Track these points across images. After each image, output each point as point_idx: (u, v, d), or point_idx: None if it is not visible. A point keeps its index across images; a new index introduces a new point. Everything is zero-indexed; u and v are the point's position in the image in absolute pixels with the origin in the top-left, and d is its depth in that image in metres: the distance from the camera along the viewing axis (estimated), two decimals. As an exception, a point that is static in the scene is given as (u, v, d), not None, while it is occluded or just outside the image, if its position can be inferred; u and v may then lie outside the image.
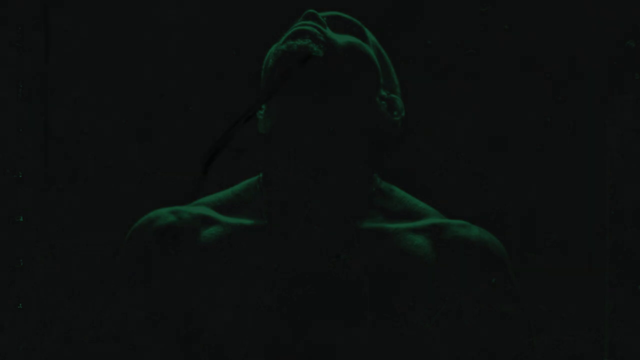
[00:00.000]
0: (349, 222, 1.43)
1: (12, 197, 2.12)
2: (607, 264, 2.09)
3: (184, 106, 2.17)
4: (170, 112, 2.17)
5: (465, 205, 2.00)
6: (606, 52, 2.11)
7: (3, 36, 2.13)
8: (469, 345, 1.39)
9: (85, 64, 2.17)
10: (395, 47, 1.63)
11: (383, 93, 1.48)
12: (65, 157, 2.16)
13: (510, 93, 2.14)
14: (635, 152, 2.10)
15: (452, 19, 2.14)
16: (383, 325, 1.36)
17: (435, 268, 1.40)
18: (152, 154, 2.16)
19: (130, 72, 2.17)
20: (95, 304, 1.88)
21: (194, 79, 2.17)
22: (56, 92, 2.16)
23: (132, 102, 2.17)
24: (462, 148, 2.13)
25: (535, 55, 2.13)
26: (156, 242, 1.44)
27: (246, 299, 1.37)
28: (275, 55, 1.42)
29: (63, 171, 2.15)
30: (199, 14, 2.17)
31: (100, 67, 2.17)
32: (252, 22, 2.14)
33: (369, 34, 1.52)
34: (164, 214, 1.47)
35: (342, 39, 1.45)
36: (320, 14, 1.47)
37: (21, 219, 2.11)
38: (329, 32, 1.44)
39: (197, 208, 1.48)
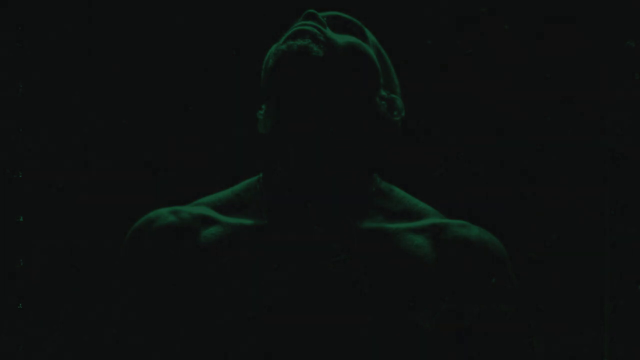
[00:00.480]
0: (349, 222, 1.43)
1: (12, 197, 2.12)
2: (607, 264, 2.10)
3: (184, 106, 2.17)
4: (171, 112, 2.17)
5: (465, 205, 2.00)
6: (606, 52, 2.11)
7: (3, 36, 2.13)
8: (469, 345, 1.39)
9: (85, 63, 2.17)
10: (395, 47, 1.63)
11: (383, 93, 1.48)
12: (65, 157, 2.16)
13: (510, 93, 2.14)
14: (635, 152, 2.10)
15: (452, 19, 2.14)
16: (383, 325, 1.35)
17: (435, 268, 1.40)
18: (152, 154, 2.16)
19: (130, 72, 2.17)
20: (95, 304, 1.88)
21: (194, 79, 2.17)
22: (56, 92, 2.16)
23: (132, 102, 2.17)
24: (462, 148, 2.13)
25: (535, 55, 2.13)
26: (156, 242, 1.43)
27: (246, 299, 1.37)
28: (275, 55, 1.41)
29: (63, 171, 2.15)
30: (199, 14, 2.17)
31: (100, 67, 2.17)
32: (252, 22, 2.14)
33: (369, 34, 1.52)
34: (164, 214, 1.47)
35: (342, 39, 1.45)
36: (320, 14, 1.47)
37: (21, 219, 2.11)
38: (329, 32, 1.44)
39: (197, 208, 1.48)
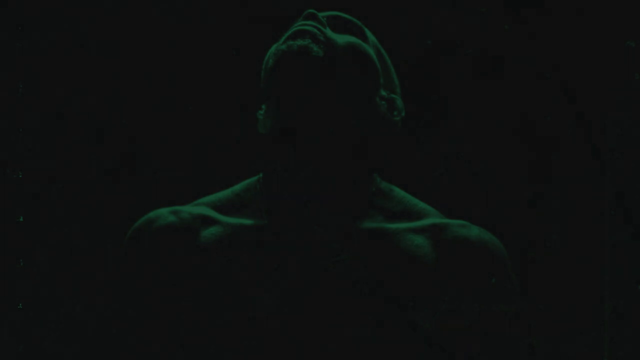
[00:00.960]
0: (349, 222, 1.43)
1: (12, 197, 2.12)
2: (607, 264, 2.10)
3: (184, 106, 2.17)
4: (170, 112, 2.17)
5: (465, 205, 2.00)
6: (606, 52, 2.11)
7: (3, 36, 2.13)
8: (469, 345, 1.39)
9: (84, 63, 2.17)
10: (395, 47, 1.63)
11: (383, 93, 1.48)
12: (65, 156, 2.16)
13: (510, 93, 2.14)
14: (635, 152, 2.10)
15: (451, 19, 2.14)
16: (383, 325, 1.35)
17: (435, 268, 1.40)
18: (152, 154, 2.16)
19: (130, 72, 2.17)
20: (96, 304, 1.88)
21: (194, 79, 2.17)
22: (56, 92, 2.16)
23: (132, 102, 2.17)
24: (462, 148, 2.13)
25: (535, 55, 2.13)
26: (156, 242, 1.44)
27: (246, 299, 1.37)
28: (275, 55, 1.42)
29: (63, 171, 2.15)
30: (199, 14, 2.17)
31: (100, 67, 2.17)
32: (252, 22, 2.14)
33: (369, 34, 1.52)
34: (164, 214, 1.47)
35: (342, 39, 1.45)
36: (320, 14, 1.47)
37: (21, 219, 2.11)
38: (329, 32, 1.44)
39: (197, 208, 1.48)
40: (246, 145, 2.05)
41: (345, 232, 1.41)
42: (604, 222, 2.11)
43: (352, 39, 1.46)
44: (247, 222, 1.44)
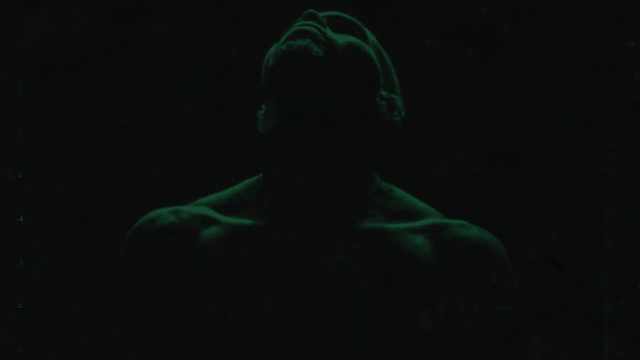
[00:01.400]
0: (349, 222, 1.43)
1: (12, 197, 2.12)
2: (607, 264, 2.10)
3: (184, 106, 2.17)
4: (170, 112, 2.17)
5: (465, 206, 2.00)
6: (606, 52, 2.11)
7: (3, 37, 2.13)
8: (469, 345, 1.39)
9: (84, 63, 2.17)
10: (395, 47, 1.63)
11: (383, 93, 1.48)
12: (65, 156, 2.16)
13: (510, 93, 2.14)
14: (635, 152, 2.10)
15: (451, 19, 2.14)
16: (383, 325, 1.35)
17: (435, 268, 1.40)
18: (152, 154, 2.16)
19: (130, 72, 2.17)
20: (96, 304, 1.88)
21: (194, 79, 2.17)
22: (55, 92, 2.16)
23: (133, 102, 2.17)
24: (462, 148, 2.13)
25: (535, 55, 2.13)
26: (156, 242, 1.44)
27: (246, 299, 1.37)
28: (275, 55, 1.42)
29: (63, 171, 2.15)
30: (198, 15, 2.17)
31: (100, 66, 2.17)
32: (252, 22, 2.14)
33: (369, 34, 1.52)
34: (164, 214, 1.47)
35: (342, 39, 1.45)
36: (320, 14, 1.47)
37: (21, 219, 2.11)
38: (329, 32, 1.44)
39: (197, 208, 1.48)
40: (246, 145, 2.05)
41: (345, 232, 1.41)
42: (604, 222, 2.10)
43: (352, 39, 1.46)
44: (247, 222, 1.44)
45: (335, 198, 1.43)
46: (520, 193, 2.13)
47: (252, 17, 2.15)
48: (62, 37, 2.16)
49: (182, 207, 1.48)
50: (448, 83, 2.14)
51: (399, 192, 1.50)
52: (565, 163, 2.13)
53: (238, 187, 1.51)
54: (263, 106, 1.50)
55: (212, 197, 1.51)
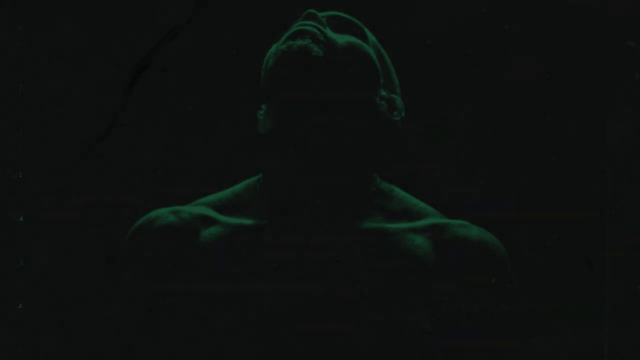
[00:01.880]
0: (349, 222, 1.43)
1: (12, 197, 2.12)
2: (607, 264, 2.09)
3: (184, 106, 2.17)
4: (170, 112, 2.17)
5: (465, 206, 2.00)
6: (606, 52, 2.11)
7: (3, 36, 2.13)
8: (469, 345, 1.39)
9: (84, 63, 2.17)
10: (395, 47, 1.63)
11: (383, 93, 1.48)
12: (65, 157, 2.16)
13: (510, 93, 2.14)
14: (635, 152, 2.10)
15: (451, 19, 2.14)
16: (383, 325, 1.35)
17: (435, 268, 1.40)
18: (152, 154, 2.16)
19: (130, 72, 2.17)
20: (96, 304, 1.88)
21: (194, 79, 2.17)
22: (56, 92, 2.16)
23: (132, 102, 2.17)
24: (462, 148, 2.13)
25: (535, 55, 2.13)
26: (156, 242, 1.44)
27: (246, 299, 1.37)
28: (275, 55, 1.42)
29: (63, 171, 2.15)
30: (199, 14, 2.17)
31: (100, 66, 2.17)
32: (252, 22, 2.14)
33: (369, 34, 1.52)
34: (164, 214, 1.47)
35: (342, 39, 1.45)
36: (320, 14, 1.47)
37: (21, 219, 2.11)
38: (329, 32, 1.44)
39: (197, 208, 1.48)
40: (246, 145, 2.05)
41: (345, 232, 1.41)
42: (604, 222, 2.10)
43: (352, 39, 1.46)
44: (247, 222, 1.44)
45: (335, 198, 1.43)
46: (520, 193, 2.13)
47: (252, 17, 2.15)
48: (62, 36, 2.16)
49: (182, 207, 1.48)
50: (448, 83, 2.14)
51: (399, 192, 1.50)
52: (565, 163, 2.13)
53: (238, 187, 1.51)
54: (263, 106, 1.50)
55: (212, 197, 1.51)
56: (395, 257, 1.40)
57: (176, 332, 1.39)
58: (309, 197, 1.42)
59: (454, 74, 2.14)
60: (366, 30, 1.52)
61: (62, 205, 2.14)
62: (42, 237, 2.12)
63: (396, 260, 1.40)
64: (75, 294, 2.10)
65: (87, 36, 2.17)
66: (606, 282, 2.09)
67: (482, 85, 2.14)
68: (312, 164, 1.42)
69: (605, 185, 2.11)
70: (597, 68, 2.12)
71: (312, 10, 1.46)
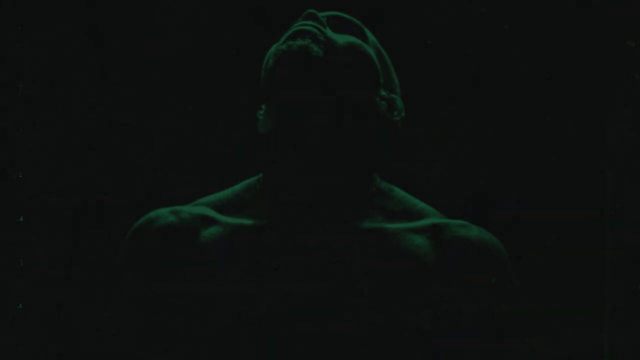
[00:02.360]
0: (349, 222, 1.43)
1: (12, 197, 2.12)
2: (607, 264, 2.10)
3: (184, 106, 2.17)
4: (170, 112, 2.17)
5: (465, 206, 2.00)
6: (606, 52, 2.11)
7: (3, 36, 2.13)
8: (469, 345, 1.39)
9: (85, 63, 2.17)
10: (395, 46, 1.63)
11: (383, 93, 1.48)
12: (65, 157, 2.16)
13: (510, 93, 2.14)
14: (635, 152, 2.10)
15: (452, 19, 2.14)
16: (383, 325, 1.35)
17: (435, 268, 1.40)
18: (152, 153, 2.16)
19: (129, 72, 2.17)
20: (96, 304, 1.88)
21: (194, 79, 2.17)
22: (56, 92, 2.16)
23: (132, 102, 2.17)
24: (462, 148, 2.13)
25: (535, 55, 2.13)
26: (156, 242, 1.44)
27: (246, 299, 1.37)
28: (275, 55, 1.42)
29: (63, 171, 2.15)
30: (199, 14, 2.17)
31: (100, 66, 2.17)
32: (252, 22, 2.14)
33: (369, 34, 1.52)
34: (164, 214, 1.47)
35: (342, 39, 1.45)
36: (320, 14, 1.47)
37: (21, 219, 2.11)
38: (329, 32, 1.44)
39: (197, 208, 1.48)
40: (246, 145, 2.05)
41: (345, 232, 1.41)
42: (604, 222, 2.10)
43: (352, 39, 1.46)
44: (247, 222, 1.44)
45: (335, 198, 1.43)
46: (520, 193, 2.13)
47: (252, 17, 2.15)
48: (62, 35, 2.16)
49: (182, 207, 1.48)
50: (448, 83, 2.14)
51: (399, 192, 1.50)
52: (565, 163, 2.13)
53: (238, 187, 1.51)
54: (263, 106, 1.50)
55: (212, 197, 1.51)
56: (395, 257, 1.40)
57: (176, 332, 1.39)
58: (309, 197, 1.42)
59: (454, 74, 2.14)
60: (366, 30, 1.52)
61: (62, 205, 2.14)
62: (42, 237, 2.12)
63: (396, 260, 1.40)
64: (75, 294, 2.10)
65: (87, 36, 2.17)
66: (606, 282, 2.09)
67: (482, 85, 2.14)
68: (312, 164, 1.42)
69: (605, 185, 2.11)
70: (597, 68, 2.12)
71: (312, 10, 1.46)
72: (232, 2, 2.17)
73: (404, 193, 1.50)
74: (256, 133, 1.50)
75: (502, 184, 2.13)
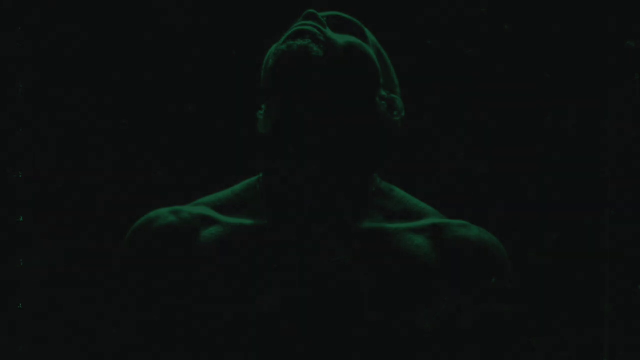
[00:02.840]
0: (349, 222, 1.42)
1: (12, 197, 2.12)
2: (607, 264, 2.10)
3: (184, 106, 2.17)
4: (170, 111, 2.17)
5: (465, 206, 2.00)
6: (606, 52, 2.11)
7: (3, 36, 2.13)
8: (468, 345, 1.39)
9: (85, 63, 2.17)
10: (395, 46, 1.63)
11: (383, 93, 1.48)
12: (65, 157, 2.16)
13: (510, 93, 2.14)
14: (635, 152, 2.10)
15: (452, 19, 2.14)
16: (383, 325, 1.35)
17: (435, 268, 1.40)
18: (152, 154, 2.16)
19: (130, 72, 2.17)
20: (95, 304, 1.88)
21: (194, 79, 2.17)
22: (56, 92, 2.16)
23: (132, 102, 2.17)
24: (462, 148, 2.13)
25: (535, 55, 2.13)
26: (156, 242, 1.43)
27: (246, 299, 1.37)
28: (275, 55, 1.41)
29: (63, 171, 2.15)
30: (199, 14, 2.17)
31: (100, 66, 2.17)
32: (252, 22, 2.14)
33: (369, 34, 1.52)
34: (164, 214, 1.47)
35: (342, 39, 1.45)
36: (320, 14, 1.47)
37: (21, 219, 2.11)
38: (329, 32, 1.44)
39: (197, 208, 1.48)
40: (246, 145, 2.05)
41: (345, 232, 1.41)
42: (604, 222, 2.10)
43: (352, 39, 1.46)
44: (247, 222, 1.44)
45: (335, 198, 1.43)
46: (520, 193, 2.13)
47: (252, 17, 2.15)
48: (62, 36, 2.17)
49: (182, 207, 1.48)
50: (448, 83, 2.14)
51: (399, 192, 1.50)
52: (565, 163, 2.13)
53: (238, 187, 1.51)
54: (263, 106, 1.50)
55: (212, 197, 1.50)
56: (395, 257, 1.40)
57: (176, 332, 1.38)
58: (309, 197, 1.42)
59: (454, 74, 2.14)
60: (366, 30, 1.52)
61: (62, 205, 2.14)
62: (42, 237, 2.12)
63: (396, 260, 1.40)
64: (75, 294, 2.10)
65: (87, 36, 2.17)
66: (606, 282, 2.09)
67: (482, 85, 2.14)
68: (312, 164, 1.42)
69: (605, 185, 2.11)
70: (597, 68, 2.12)
71: (312, 10, 1.46)
72: (232, 2, 2.17)
73: (404, 193, 1.50)
74: (256, 133, 1.50)
75: (502, 184, 2.13)
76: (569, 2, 2.11)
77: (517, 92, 2.13)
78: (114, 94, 2.16)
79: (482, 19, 2.13)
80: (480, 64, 2.13)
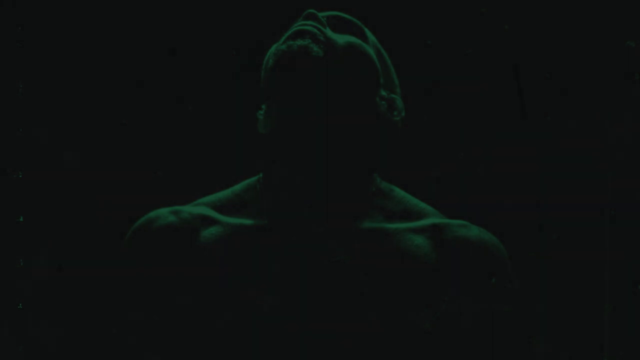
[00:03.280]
0: (349, 222, 1.42)
1: (12, 197, 2.12)
2: (607, 264, 2.10)
3: (184, 106, 2.17)
4: (170, 111, 2.17)
5: (465, 206, 2.00)
6: (606, 52, 2.11)
7: (3, 36, 2.13)
8: (468, 345, 1.39)
9: (85, 63, 2.17)
10: (395, 47, 1.63)
11: (383, 93, 1.48)
12: (65, 157, 2.16)
13: (510, 93, 2.14)
14: (636, 152, 2.10)
15: (451, 19, 2.14)
16: (383, 325, 1.35)
17: (435, 268, 1.40)
18: (152, 154, 2.16)
19: (130, 72, 2.17)
20: (95, 304, 1.88)
21: (193, 79, 2.17)
22: (56, 92, 2.16)
23: (132, 101, 2.17)
24: (462, 148, 2.13)
25: (535, 55, 2.13)
26: (156, 242, 1.43)
27: (246, 300, 1.37)
28: (275, 55, 1.41)
29: (63, 171, 2.15)
30: (199, 14, 2.17)
31: (100, 66, 2.17)
32: (252, 22, 2.14)
33: (369, 34, 1.52)
34: (164, 214, 1.47)
35: (342, 39, 1.45)
36: (320, 14, 1.47)
37: (21, 219, 2.11)
38: (329, 32, 1.44)
39: (197, 208, 1.48)
40: (246, 145, 2.05)
41: (345, 232, 1.41)
42: (604, 222, 2.10)
43: (352, 39, 1.46)
44: (247, 222, 1.44)
45: (335, 198, 1.43)
46: (520, 193, 2.13)
47: (252, 17, 2.15)
48: (62, 35, 2.16)
49: (182, 207, 1.48)
50: (448, 83, 2.14)
51: (399, 192, 1.50)
52: (565, 162, 2.13)
53: (238, 187, 1.51)
54: (263, 106, 1.50)
55: (212, 197, 1.50)
56: (395, 257, 1.40)
57: (176, 332, 1.38)
58: (309, 197, 1.42)
59: (454, 74, 2.14)
60: (366, 30, 1.52)
61: (62, 205, 2.14)
62: (42, 237, 2.12)
63: (396, 260, 1.40)
64: (75, 294, 2.10)
65: (87, 36, 2.17)
66: (606, 282, 2.09)
67: (482, 85, 2.14)
68: (312, 164, 1.42)
69: (605, 185, 2.11)
70: (597, 68, 2.12)
71: (312, 10, 1.46)
72: (232, 2, 2.17)
73: (404, 193, 1.50)
74: (256, 133, 1.50)
75: (502, 184, 2.13)
76: (569, 2, 2.11)
77: (516, 91, 2.13)
78: (114, 93, 2.16)
79: (482, 19, 2.13)
80: (480, 64, 2.13)
